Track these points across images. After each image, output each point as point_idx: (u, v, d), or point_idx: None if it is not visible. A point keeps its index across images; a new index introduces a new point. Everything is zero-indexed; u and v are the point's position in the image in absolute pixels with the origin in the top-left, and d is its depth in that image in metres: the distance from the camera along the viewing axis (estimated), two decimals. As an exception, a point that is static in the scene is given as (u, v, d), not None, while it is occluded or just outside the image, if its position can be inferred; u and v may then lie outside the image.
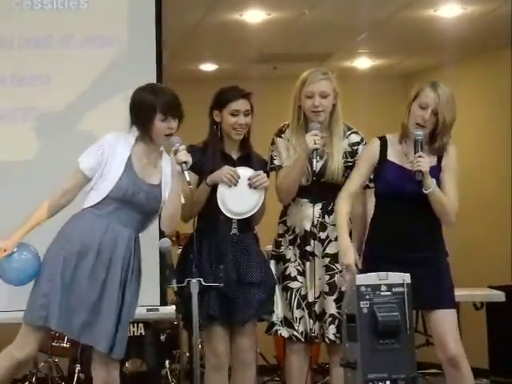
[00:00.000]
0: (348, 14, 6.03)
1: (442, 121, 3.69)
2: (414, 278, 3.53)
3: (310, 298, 3.86)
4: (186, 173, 3.56)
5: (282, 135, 3.97)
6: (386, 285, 3.45)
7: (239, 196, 3.84)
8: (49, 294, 3.55)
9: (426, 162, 3.66)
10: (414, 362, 3.48)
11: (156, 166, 3.68)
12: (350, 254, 3.71)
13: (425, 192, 3.68)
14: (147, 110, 3.58)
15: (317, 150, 3.77)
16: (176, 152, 3.58)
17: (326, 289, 3.88)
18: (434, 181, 3.69)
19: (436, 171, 3.75)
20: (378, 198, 3.84)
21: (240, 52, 6.96)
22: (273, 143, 4.00)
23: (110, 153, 3.60)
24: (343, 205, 3.80)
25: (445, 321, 3.71)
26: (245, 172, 3.87)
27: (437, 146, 3.74)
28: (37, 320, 3.56)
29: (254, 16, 6.09)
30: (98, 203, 3.60)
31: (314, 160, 3.79)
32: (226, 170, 3.84)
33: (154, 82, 4.82)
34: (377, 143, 3.82)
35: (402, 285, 3.46)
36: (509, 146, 6.94)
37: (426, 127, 3.72)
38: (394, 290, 3.45)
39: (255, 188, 3.86)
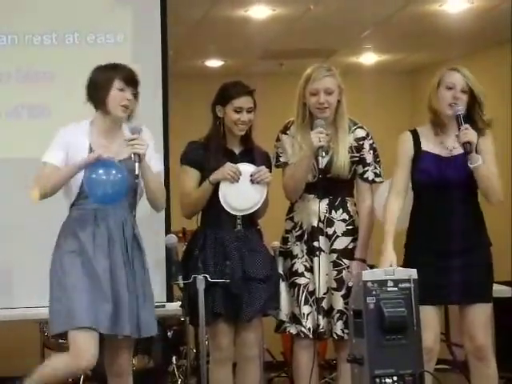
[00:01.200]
0: (353, 9, 6.01)
1: (475, 92, 3.69)
2: (450, 270, 3.54)
3: (318, 294, 3.86)
4: (136, 165, 3.53)
5: (288, 132, 3.97)
6: (392, 280, 3.44)
7: (241, 192, 3.84)
8: (61, 297, 3.52)
9: (472, 133, 3.64)
10: (421, 358, 3.48)
11: (119, 141, 3.64)
12: (392, 264, 3.66)
13: (472, 166, 3.63)
14: (106, 79, 3.59)
15: (322, 147, 3.77)
16: (129, 141, 3.54)
17: (334, 284, 3.88)
18: (480, 157, 3.65)
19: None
20: (418, 191, 3.80)
21: (245, 48, 6.95)
22: (278, 140, 3.99)
23: (72, 146, 3.59)
24: (393, 208, 3.75)
25: (481, 314, 3.72)
26: (247, 168, 3.87)
27: (479, 126, 3.72)
28: (58, 327, 3.52)
29: (260, 12, 6.08)
30: (76, 197, 3.59)
31: (320, 157, 3.78)
32: (228, 167, 3.83)
33: (160, 78, 4.84)
34: (409, 136, 3.80)
35: (408, 280, 3.45)
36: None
37: (462, 106, 3.70)
38: (400, 285, 3.45)
39: (257, 183, 3.86)
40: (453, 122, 3.73)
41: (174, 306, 4.65)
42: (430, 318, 3.62)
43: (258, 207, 3.89)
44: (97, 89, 3.60)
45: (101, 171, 3.50)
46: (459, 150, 3.74)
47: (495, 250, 6.90)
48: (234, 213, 3.86)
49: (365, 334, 3.41)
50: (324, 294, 3.87)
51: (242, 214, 3.87)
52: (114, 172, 3.50)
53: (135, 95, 3.63)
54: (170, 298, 4.75)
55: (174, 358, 5.60)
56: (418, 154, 3.76)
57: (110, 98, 3.58)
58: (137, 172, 3.54)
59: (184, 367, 5.65)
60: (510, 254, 6.81)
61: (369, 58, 7.54)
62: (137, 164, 3.53)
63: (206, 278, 3.77)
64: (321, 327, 3.85)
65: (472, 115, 3.74)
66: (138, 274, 3.62)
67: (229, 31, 6.41)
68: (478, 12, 6.16)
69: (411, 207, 3.84)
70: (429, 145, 3.77)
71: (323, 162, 3.82)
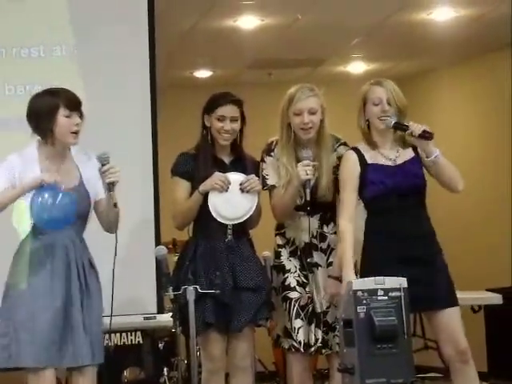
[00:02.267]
0: (341, 18, 6.04)
1: (398, 105, 3.73)
2: (415, 277, 3.53)
3: (319, 309, 3.84)
4: (112, 194, 3.46)
5: (272, 153, 3.95)
6: (382, 289, 3.43)
7: (231, 201, 3.83)
8: (7, 333, 3.40)
9: (418, 124, 3.69)
10: (412, 367, 3.47)
11: (68, 167, 3.53)
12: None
13: (430, 159, 3.67)
14: (49, 109, 3.41)
15: (309, 180, 3.77)
16: (104, 172, 3.45)
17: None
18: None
19: (417, 162, 3.76)
20: (368, 204, 3.81)
21: (234, 58, 6.96)
22: (263, 161, 3.96)
23: (21, 174, 3.45)
24: (350, 233, 3.73)
25: (455, 318, 3.72)
26: (236, 177, 3.87)
27: (404, 136, 3.76)
28: (2, 362, 3.41)
29: (248, 22, 6.10)
30: (30, 229, 3.47)
31: (307, 190, 3.77)
32: (217, 176, 3.83)
33: (148, 89, 4.84)
34: (353, 154, 3.81)
35: (398, 289, 3.45)
36: (505, 148, 6.95)
37: (392, 118, 3.74)
38: (390, 294, 3.44)
39: (247, 192, 3.86)
40: (387, 134, 3.76)
41: (165, 318, 4.64)
42: None
43: (248, 216, 3.89)
44: (41, 119, 3.44)
45: (47, 195, 3.39)
46: (402, 159, 3.78)
47: (487, 258, 6.95)
48: (224, 222, 3.85)
49: (355, 344, 3.40)
50: (327, 308, 3.86)
51: (232, 222, 3.87)
52: (60, 196, 3.40)
53: (81, 117, 3.50)
54: (160, 310, 4.74)
55: (165, 369, 5.58)
56: (365, 167, 3.77)
57: (57, 127, 3.44)
58: (115, 201, 3.46)
59: (175, 378, 5.63)
60: (501, 262, 6.83)
61: (357, 67, 7.56)
62: (112, 193, 3.46)
63: (196, 288, 3.76)
64: (319, 341, 3.83)
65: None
66: (91, 301, 3.51)
67: (218, 41, 6.42)
68: (465, 21, 6.20)
69: (363, 227, 3.84)
70: (372, 158, 3.79)
71: (309, 192, 3.79)
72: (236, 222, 3.86)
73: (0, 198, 3.44)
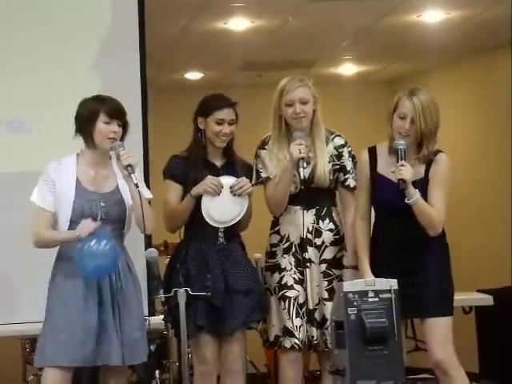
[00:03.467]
0: (332, 20, 6.05)
1: (420, 127, 3.68)
2: (403, 286, 3.53)
3: (311, 306, 3.85)
4: (133, 176, 3.58)
5: (266, 147, 3.97)
6: (373, 291, 3.44)
7: (223, 205, 3.83)
8: (47, 334, 3.57)
9: (408, 170, 3.65)
10: (403, 368, 3.48)
11: (108, 172, 3.68)
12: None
13: (407, 202, 3.66)
14: (91, 113, 3.62)
15: (303, 158, 3.77)
16: (119, 157, 3.59)
17: (325, 295, 3.87)
18: (418, 192, 3.67)
19: (423, 183, 3.74)
20: (377, 211, 3.83)
21: (225, 60, 6.96)
22: (256, 156, 3.99)
23: (58, 182, 3.62)
24: (363, 231, 3.77)
25: (435, 328, 3.70)
26: (227, 180, 3.87)
27: (422, 155, 3.73)
28: (40, 361, 3.59)
29: (239, 24, 6.10)
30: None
31: (301, 169, 3.78)
32: (209, 180, 3.83)
33: (139, 91, 4.83)
34: (365, 156, 3.82)
35: (389, 291, 3.46)
36: (497, 148, 6.97)
37: (410, 136, 3.71)
38: (381, 296, 3.45)
39: (239, 195, 3.86)
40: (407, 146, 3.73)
41: (156, 320, 4.62)
42: None
43: (239, 219, 3.89)
44: (83, 123, 3.64)
45: (92, 243, 3.51)
46: (415, 176, 3.73)
47: (478, 259, 6.97)
48: (215, 225, 3.86)
49: (346, 345, 3.41)
50: (316, 305, 3.86)
51: (223, 226, 3.87)
52: (104, 243, 3.51)
53: (123, 126, 3.66)
54: (151, 312, 4.72)
55: (157, 371, 5.56)
56: (373, 176, 3.79)
57: (95, 131, 3.61)
58: (135, 181, 3.57)
59: (167, 381, 5.62)
60: (492, 263, 6.85)
61: (348, 69, 7.57)
62: (133, 175, 3.57)
63: (187, 291, 3.76)
64: (314, 338, 3.84)
65: (421, 143, 3.75)
66: (130, 302, 3.65)
67: (208, 44, 6.43)
68: (455, 23, 6.21)
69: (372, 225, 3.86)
70: (384, 167, 3.78)
71: (305, 172, 3.82)
72: (227, 225, 3.87)
73: (45, 239, 3.65)
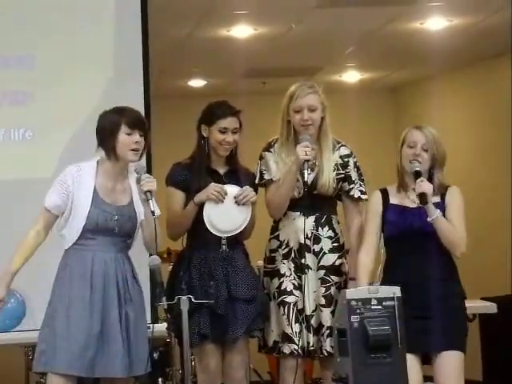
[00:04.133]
0: (335, 27, 6.06)
1: (433, 153, 3.75)
2: (415, 319, 3.55)
3: (308, 312, 3.84)
4: (150, 202, 3.56)
5: (271, 149, 3.97)
6: (376, 299, 3.43)
7: (226, 214, 3.83)
8: (47, 339, 3.54)
9: (427, 184, 3.68)
10: (406, 376, 3.46)
11: (124, 186, 3.66)
12: None
13: (429, 220, 3.67)
14: (112, 125, 3.58)
15: (308, 161, 3.77)
16: (139, 180, 3.57)
17: (323, 301, 3.86)
18: (439, 210, 3.69)
19: (440, 207, 3.75)
20: (387, 243, 3.83)
21: (228, 67, 6.98)
22: (261, 158, 3.99)
23: (75, 187, 3.60)
24: (364, 262, 3.78)
25: (448, 363, 3.67)
26: (231, 189, 3.86)
27: (434, 185, 3.75)
28: (38, 367, 3.58)
29: (242, 31, 6.11)
30: (76, 240, 3.61)
31: (306, 171, 3.78)
32: (212, 187, 3.83)
33: (142, 98, 4.84)
34: (378, 193, 3.86)
35: (392, 298, 3.44)
36: (500, 155, 6.97)
37: (422, 163, 3.76)
38: (384, 303, 3.43)
39: (243, 204, 3.85)
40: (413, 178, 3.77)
41: (159, 328, 4.62)
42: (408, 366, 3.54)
43: (242, 228, 3.88)
44: (104, 135, 3.61)
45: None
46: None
47: (481, 267, 6.95)
48: (218, 234, 3.84)
49: (349, 353, 3.39)
50: (313, 311, 3.85)
51: (226, 235, 3.86)
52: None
53: (145, 136, 3.63)
54: (154, 320, 4.72)
55: (160, 379, 5.56)
56: (386, 208, 3.81)
57: (118, 143, 3.59)
58: (152, 208, 3.55)
59: (170, 389, 5.61)
60: (496, 270, 6.84)
61: (352, 76, 7.58)
62: (150, 201, 3.56)
63: (190, 299, 3.75)
64: (311, 345, 3.84)
65: (432, 173, 3.79)
66: (137, 313, 3.65)
67: (212, 51, 6.44)
68: (457, 30, 6.23)
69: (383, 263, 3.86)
70: (396, 199, 3.82)
71: (309, 177, 3.82)
72: (230, 234, 3.86)
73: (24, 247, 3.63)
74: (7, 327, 3.61)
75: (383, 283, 3.77)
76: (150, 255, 3.83)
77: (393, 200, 3.82)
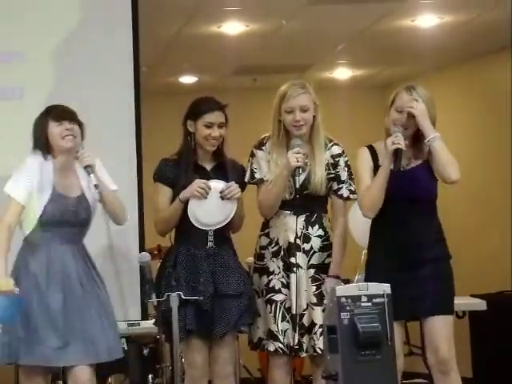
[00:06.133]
0: (326, 24, 6.05)
1: (419, 120, 3.69)
2: (406, 284, 3.55)
3: (294, 311, 3.84)
4: (92, 176, 3.65)
5: (263, 147, 3.96)
6: (366, 295, 3.42)
7: (211, 208, 3.82)
8: (10, 331, 3.55)
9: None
10: (395, 373, 3.46)
11: (75, 177, 3.74)
12: None
13: (428, 139, 3.64)
14: (40, 123, 3.70)
15: (299, 167, 3.77)
16: (77, 158, 3.66)
17: (314, 300, 3.86)
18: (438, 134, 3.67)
19: (427, 169, 3.74)
20: None
21: (219, 64, 6.96)
22: (252, 155, 3.98)
23: (36, 180, 3.65)
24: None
25: (439, 326, 3.70)
26: (216, 185, 3.86)
27: (422, 147, 3.74)
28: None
29: (233, 28, 6.10)
30: (32, 231, 3.65)
31: (297, 177, 3.78)
32: (197, 183, 3.82)
33: (133, 95, 4.83)
34: (367, 151, 3.82)
35: (382, 295, 3.44)
36: (494, 153, 6.98)
37: (408, 129, 3.73)
38: (374, 300, 3.42)
39: (228, 199, 3.85)
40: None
41: (149, 324, 4.62)
42: None
43: (226, 222, 3.87)
44: (36, 135, 3.71)
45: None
46: (413, 164, 3.77)
47: (472, 263, 6.97)
48: (202, 228, 3.84)
49: (339, 350, 3.39)
50: (304, 310, 3.85)
51: (210, 228, 3.85)
52: None
53: (79, 125, 3.71)
54: (144, 316, 4.72)
55: (150, 376, 5.54)
56: (377, 169, 3.77)
57: (50, 136, 3.68)
58: (94, 182, 3.64)
59: (160, 385, 5.61)
60: (486, 267, 6.85)
61: (342, 73, 7.58)
62: (92, 175, 3.65)
63: (179, 295, 3.75)
64: (295, 343, 3.83)
65: (419, 136, 3.75)
66: (97, 301, 3.68)
67: (202, 48, 6.42)
68: (448, 27, 6.23)
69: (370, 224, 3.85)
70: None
71: (300, 180, 3.82)
72: (214, 227, 3.85)
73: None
74: None
75: (370, 247, 3.81)
76: (141, 250, 3.85)
77: (381, 161, 3.77)
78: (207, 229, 3.85)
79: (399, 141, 3.67)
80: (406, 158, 3.74)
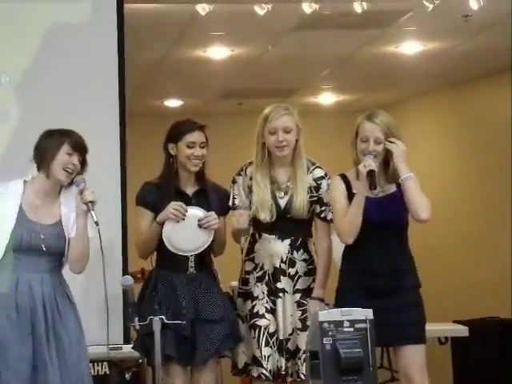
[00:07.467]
0: (311, 50, 6.10)
1: (387, 145, 3.72)
2: (381, 312, 3.53)
3: (281, 336, 3.84)
4: (92, 213, 3.56)
5: (242, 173, 3.98)
6: (348, 321, 3.43)
7: (187, 235, 3.82)
8: None
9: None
10: (378, 399, 3.47)
11: (54, 204, 3.63)
12: None
13: (402, 178, 3.67)
14: (54, 143, 3.58)
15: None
16: (81, 192, 3.57)
17: (299, 325, 3.85)
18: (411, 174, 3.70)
19: (398, 197, 3.75)
20: None
21: (205, 88, 7.00)
22: (234, 182, 3.99)
23: (0, 206, 3.55)
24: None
25: (412, 356, 3.70)
26: (196, 212, 3.85)
27: (392, 172, 3.76)
28: None
29: (218, 52, 6.13)
30: (4, 256, 3.53)
31: (247, 236, 3.86)
32: (172, 205, 3.81)
33: (117, 118, 4.83)
34: (339, 178, 3.83)
35: (364, 321, 3.44)
36: (472, 180, 7.02)
37: (377, 156, 3.75)
38: (356, 326, 3.43)
39: (205, 228, 3.85)
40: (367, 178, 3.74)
41: (131, 348, 4.60)
42: None
43: (202, 250, 3.86)
44: (45, 152, 3.60)
45: None
46: (384, 193, 3.79)
47: (453, 289, 6.97)
48: (175, 252, 3.83)
49: (321, 375, 3.38)
50: (289, 334, 3.85)
51: (184, 254, 3.84)
52: None
53: (82, 162, 3.63)
54: (126, 340, 4.69)
55: (132, 400, 5.52)
56: (350, 196, 3.79)
57: (55, 161, 3.58)
58: (95, 219, 3.54)
59: (142, 410, 5.57)
60: (467, 293, 6.87)
61: (327, 98, 7.63)
62: (92, 212, 3.55)
63: (162, 319, 3.73)
64: (283, 369, 3.82)
65: (388, 162, 3.78)
66: (67, 334, 3.56)
67: (188, 72, 6.46)
68: (432, 54, 6.29)
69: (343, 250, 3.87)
70: (356, 188, 3.79)
71: (282, 202, 3.81)
72: (187, 254, 3.84)
73: None
74: None
75: (342, 272, 3.81)
76: (124, 273, 3.81)
77: (355, 189, 3.78)
78: (180, 254, 3.84)
79: (370, 163, 3.70)
80: (378, 185, 3.75)
